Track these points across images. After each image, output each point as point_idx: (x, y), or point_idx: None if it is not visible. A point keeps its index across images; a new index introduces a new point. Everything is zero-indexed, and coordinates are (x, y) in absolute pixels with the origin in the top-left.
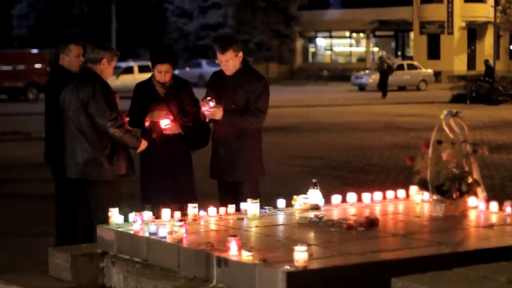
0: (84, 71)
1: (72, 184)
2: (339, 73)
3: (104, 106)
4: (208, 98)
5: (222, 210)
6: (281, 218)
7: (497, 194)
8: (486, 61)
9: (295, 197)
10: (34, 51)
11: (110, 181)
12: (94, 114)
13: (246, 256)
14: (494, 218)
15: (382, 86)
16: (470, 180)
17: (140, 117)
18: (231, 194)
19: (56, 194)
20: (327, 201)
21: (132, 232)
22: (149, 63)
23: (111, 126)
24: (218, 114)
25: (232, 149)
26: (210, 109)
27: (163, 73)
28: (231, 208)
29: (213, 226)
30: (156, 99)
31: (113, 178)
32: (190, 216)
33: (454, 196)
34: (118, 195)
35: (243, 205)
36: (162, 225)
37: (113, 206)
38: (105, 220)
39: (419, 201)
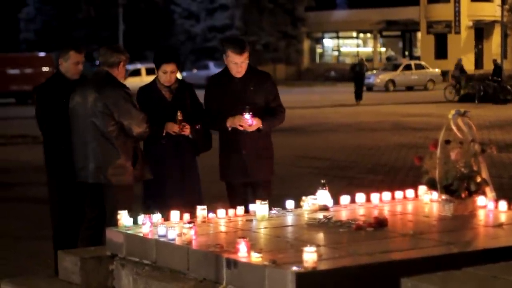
0: (102, 75)
1: (80, 188)
2: (347, 73)
3: (137, 112)
4: (246, 108)
5: (231, 211)
6: (290, 219)
7: (506, 193)
8: (495, 60)
9: (303, 198)
10: (42, 54)
11: (130, 185)
12: (125, 119)
13: (256, 257)
14: (503, 217)
15: (357, 89)
16: (478, 179)
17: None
18: (243, 195)
19: (60, 198)
20: (336, 201)
21: (141, 235)
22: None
23: (147, 129)
24: (257, 125)
25: (256, 150)
26: (250, 125)
27: (168, 73)
28: (240, 209)
29: (222, 228)
30: (163, 103)
31: (134, 182)
32: (199, 218)
33: (463, 195)
34: (133, 199)
35: (252, 207)
36: (171, 227)
37: (129, 209)
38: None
39: (428, 201)
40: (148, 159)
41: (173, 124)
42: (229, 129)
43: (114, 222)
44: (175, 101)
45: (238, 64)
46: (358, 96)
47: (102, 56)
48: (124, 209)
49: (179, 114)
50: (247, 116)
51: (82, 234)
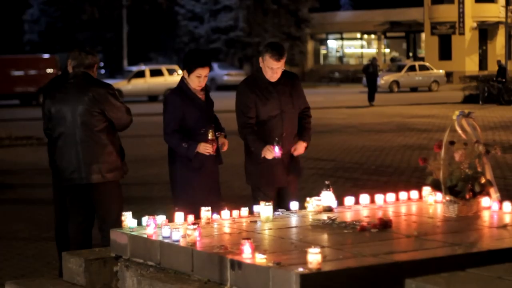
0: (81, 76)
1: (72, 190)
2: (351, 74)
3: (122, 105)
4: (276, 140)
5: (235, 212)
6: (294, 220)
7: (510, 194)
8: (499, 61)
9: (308, 199)
10: (46, 56)
11: (119, 181)
12: (114, 114)
13: (260, 258)
14: (507, 219)
15: (371, 90)
16: (483, 180)
17: (191, 129)
18: (271, 199)
19: (62, 198)
20: (340, 203)
21: (146, 236)
22: (161, 67)
23: (131, 120)
24: (303, 148)
25: (288, 155)
26: (296, 151)
27: (202, 77)
28: (244, 211)
29: (226, 229)
30: (201, 106)
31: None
32: (203, 219)
33: (467, 196)
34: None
35: (256, 208)
36: (176, 228)
37: (122, 206)
38: (119, 220)
39: (432, 202)
40: (186, 165)
41: (205, 145)
42: (261, 156)
43: (112, 220)
44: (207, 103)
45: (274, 69)
46: (372, 97)
47: (76, 59)
48: (119, 204)
49: (210, 134)
50: (276, 149)
51: (73, 238)
